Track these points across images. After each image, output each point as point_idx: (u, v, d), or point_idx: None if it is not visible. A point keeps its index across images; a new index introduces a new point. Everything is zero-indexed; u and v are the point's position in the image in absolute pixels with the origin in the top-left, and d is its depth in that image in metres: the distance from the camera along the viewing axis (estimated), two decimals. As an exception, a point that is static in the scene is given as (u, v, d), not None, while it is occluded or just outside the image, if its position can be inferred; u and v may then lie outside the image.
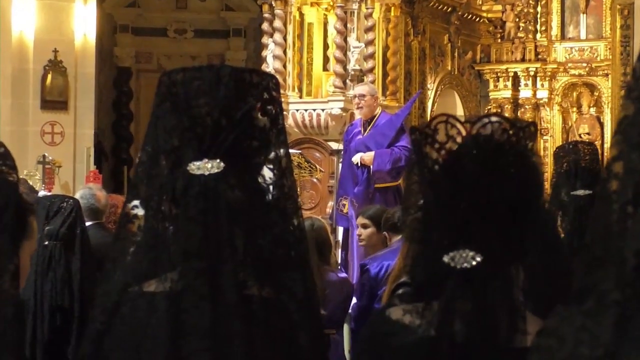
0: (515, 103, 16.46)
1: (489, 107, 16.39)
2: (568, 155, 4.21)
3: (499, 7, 16.63)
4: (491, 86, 16.71)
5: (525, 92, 16.47)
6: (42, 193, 9.74)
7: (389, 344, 1.76)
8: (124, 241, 1.85)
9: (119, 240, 1.86)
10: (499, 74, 16.60)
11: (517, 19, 16.44)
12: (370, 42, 13.28)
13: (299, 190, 10.20)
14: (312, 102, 13.47)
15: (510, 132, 1.70)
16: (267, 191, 1.82)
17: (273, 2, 13.55)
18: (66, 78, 13.17)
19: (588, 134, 15.93)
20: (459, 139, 1.71)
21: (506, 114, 10.60)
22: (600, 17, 16.21)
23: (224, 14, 17.26)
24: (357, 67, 13.13)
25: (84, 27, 13.32)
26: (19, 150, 12.23)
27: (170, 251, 1.77)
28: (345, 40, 13.22)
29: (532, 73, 16.37)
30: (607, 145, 14.32)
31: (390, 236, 5.64)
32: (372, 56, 13.29)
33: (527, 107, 16.33)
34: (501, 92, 16.57)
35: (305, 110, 13.28)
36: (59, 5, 13.17)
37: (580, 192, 4.06)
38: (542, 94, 16.41)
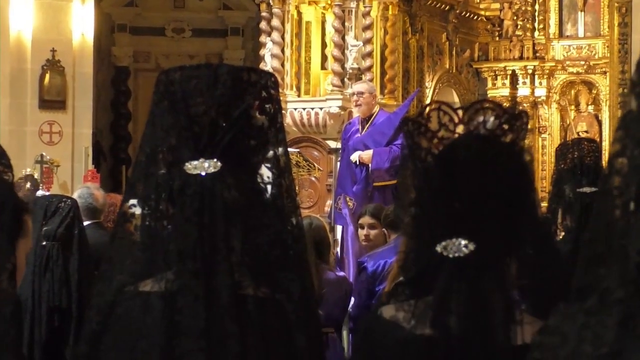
0: (514, 101, 16.44)
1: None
2: (571, 152, 4.20)
3: (496, 5, 16.62)
4: (489, 84, 16.70)
5: (523, 90, 16.46)
6: (40, 193, 9.73)
7: (382, 341, 1.76)
8: (121, 240, 1.84)
9: (116, 240, 1.86)
10: (497, 72, 16.59)
11: (515, 17, 16.42)
12: (368, 41, 13.27)
13: (297, 189, 10.20)
14: (310, 100, 13.47)
15: (503, 120, 1.69)
16: (265, 190, 1.81)
17: (271, 1, 13.55)
18: (64, 77, 13.17)
19: (586, 131, 15.92)
20: (451, 127, 1.70)
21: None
22: (598, 14, 16.20)
23: (222, 13, 17.26)
24: (355, 66, 13.12)
25: (81, 26, 13.31)
26: (17, 150, 12.22)
27: (166, 251, 1.77)
28: (343, 38, 13.21)
29: (530, 71, 16.36)
30: (605, 143, 14.31)
31: (389, 233, 5.62)
32: (370, 54, 13.28)
33: (525, 105, 16.30)
34: (499, 90, 16.56)
35: (304, 108, 13.28)
36: (56, 4, 13.16)
37: (586, 189, 4.05)
38: (540, 92, 16.40)
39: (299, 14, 13.78)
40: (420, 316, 1.70)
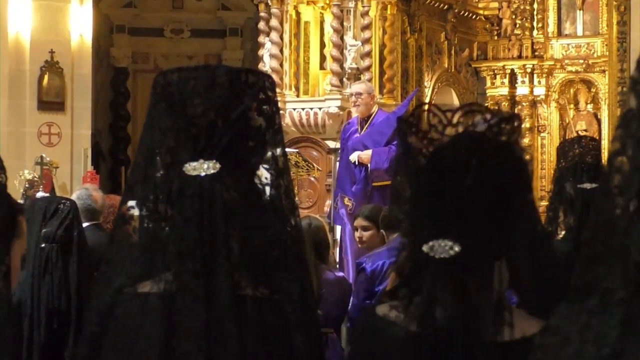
0: (513, 100, 16.46)
1: (486, 104, 16.38)
2: (573, 150, 4.21)
3: (495, 4, 16.63)
4: (488, 83, 16.71)
5: (522, 89, 16.47)
6: (39, 194, 9.71)
7: (377, 340, 1.77)
8: (119, 242, 1.84)
9: (114, 241, 1.85)
10: (495, 71, 16.59)
11: (514, 16, 16.43)
12: (366, 40, 13.28)
13: (296, 189, 10.20)
14: (309, 100, 13.47)
15: (492, 123, 1.69)
16: (263, 191, 1.81)
17: (269, 1, 13.55)
18: (63, 79, 13.16)
19: (585, 130, 15.92)
20: (440, 128, 1.70)
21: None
22: (596, 13, 16.20)
23: (221, 14, 17.25)
24: (354, 66, 13.12)
25: (80, 27, 13.31)
26: (16, 152, 12.23)
27: (165, 252, 1.76)
28: (341, 38, 13.22)
29: (529, 70, 16.36)
30: (604, 141, 14.31)
31: (387, 234, 5.61)
32: (368, 54, 13.28)
33: (524, 104, 16.32)
34: (498, 90, 16.56)
35: (303, 109, 13.28)
36: (55, 5, 13.16)
37: (587, 185, 4.05)
38: (539, 91, 16.40)
39: (298, 14, 13.78)
40: (411, 315, 1.71)
